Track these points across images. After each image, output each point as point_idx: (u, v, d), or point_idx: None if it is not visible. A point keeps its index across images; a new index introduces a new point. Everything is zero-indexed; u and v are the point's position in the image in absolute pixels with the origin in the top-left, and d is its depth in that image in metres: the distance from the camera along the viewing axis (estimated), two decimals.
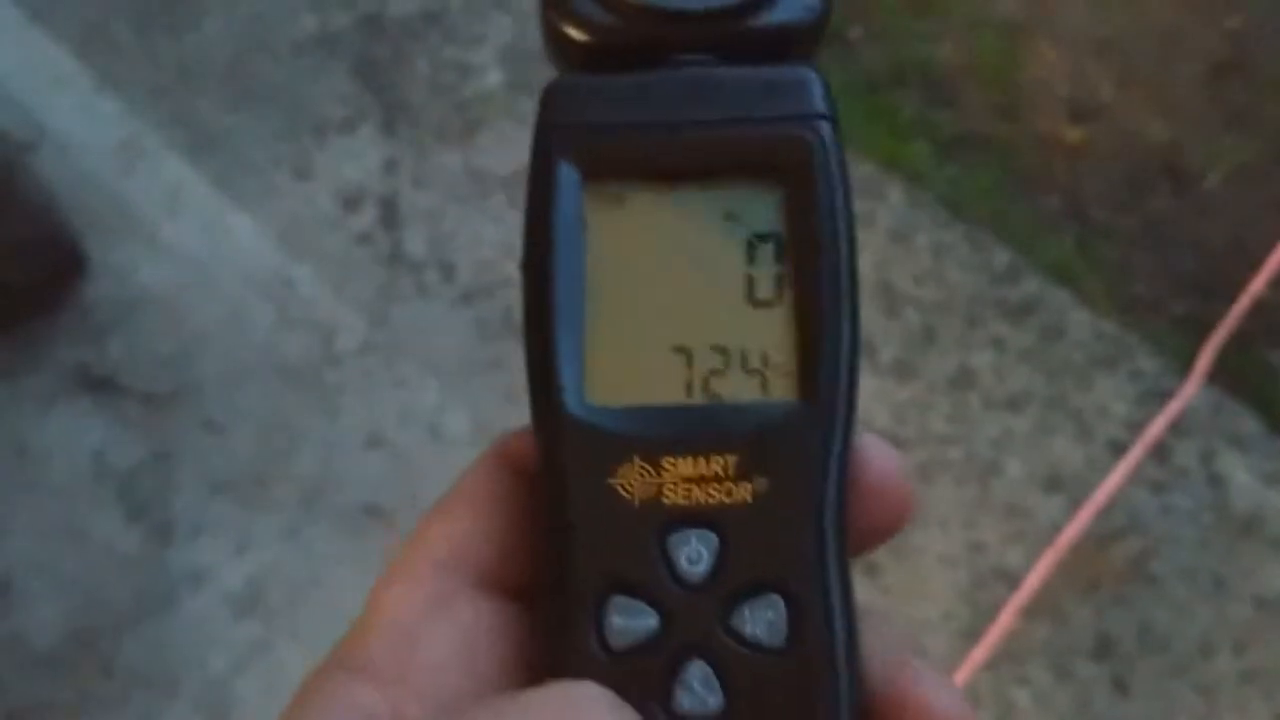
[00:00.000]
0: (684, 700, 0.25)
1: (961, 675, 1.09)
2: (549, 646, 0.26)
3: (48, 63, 1.50)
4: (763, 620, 0.25)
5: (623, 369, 0.26)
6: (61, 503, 1.23)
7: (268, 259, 1.36)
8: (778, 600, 0.25)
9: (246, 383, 1.28)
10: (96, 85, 1.48)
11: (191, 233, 1.37)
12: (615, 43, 0.27)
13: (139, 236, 1.36)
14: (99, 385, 1.28)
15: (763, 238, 0.26)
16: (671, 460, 0.25)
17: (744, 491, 0.25)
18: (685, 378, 0.26)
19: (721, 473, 0.25)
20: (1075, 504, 1.18)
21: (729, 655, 0.25)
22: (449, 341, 1.31)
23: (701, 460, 0.25)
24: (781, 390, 0.26)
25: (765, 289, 0.26)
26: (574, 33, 0.27)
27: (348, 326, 1.31)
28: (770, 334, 0.26)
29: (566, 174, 0.26)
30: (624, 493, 0.25)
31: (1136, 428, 1.22)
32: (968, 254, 1.35)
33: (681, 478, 0.25)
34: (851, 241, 0.26)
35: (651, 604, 0.25)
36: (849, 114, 1.53)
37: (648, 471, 0.25)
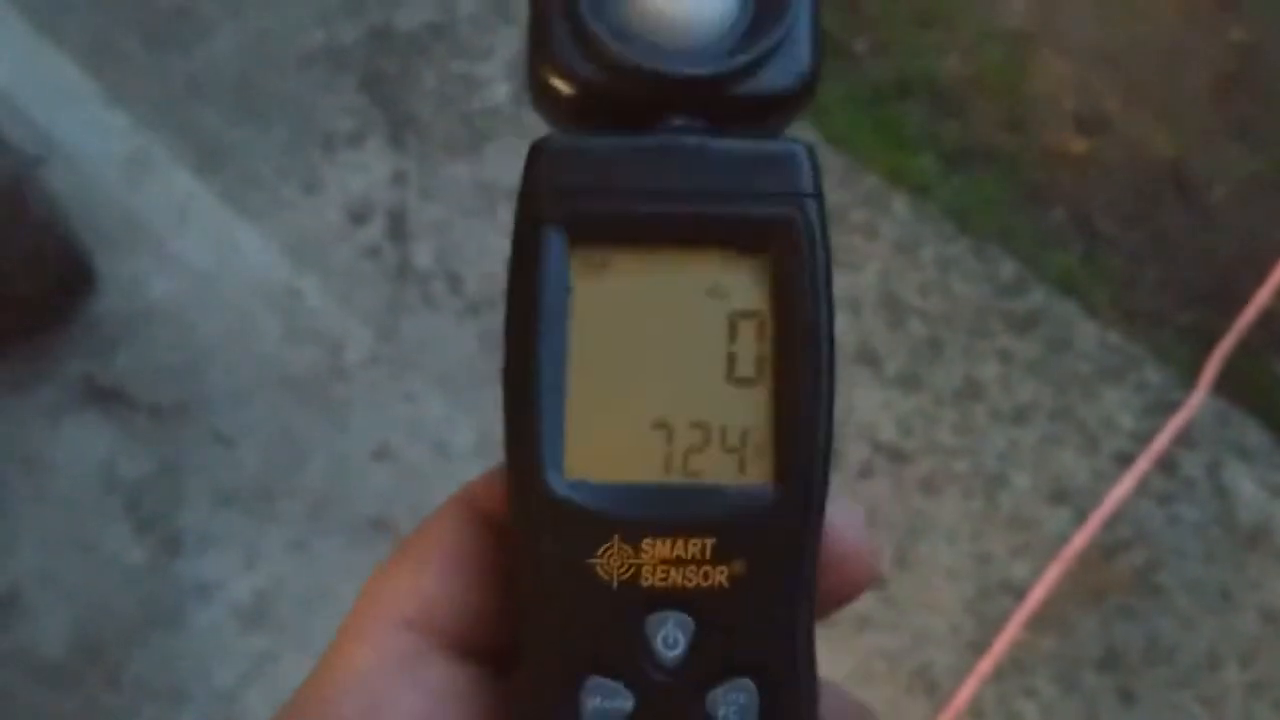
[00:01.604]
0: None
1: (968, 687, 1.09)
2: None
3: (57, 77, 1.51)
4: (735, 704, 0.25)
5: (604, 444, 0.26)
6: (69, 515, 1.23)
7: (275, 272, 1.36)
8: (750, 684, 0.25)
9: (254, 395, 1.28)
10: (105, 99, 1.49)
11: (199, 246, 1.38)
12: (603, 100, 0.27)
13: (147, 249, 1.37)
14: (107, 397, 1.28)
15: (746, 315, 0.26)
16: (651, 542, 0.25)
17: (720, 575, 0.25)
18: (665, 454, 0.26)
19: (699, 555, 0.25)
20: (1082, 516, 1.18)
21: None
22: (456, 353, 1.31)
23: (680, 542, 0.25)
24: (758, 470, 0.26)
25: (746, 367, 0.26)
26: (561, 86, 0.27)
27: (355, 339, 1.32)
28: (749, 413, 0.26)
29: (553, 240, 0.26)
30: (602, 573, 0.25)
31: (1143, 439, 1.22)
32: (973, 266, 1.35)
33: (660, 560, 0.25)
34: (831, 323, 0.26)
35: (627, 685, 0.25)
36: (855, 126, 1.53)
37: (627, 552, 0.25)
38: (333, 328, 1.33)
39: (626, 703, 0.25)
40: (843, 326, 1.31)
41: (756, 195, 0.26)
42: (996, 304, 1.32)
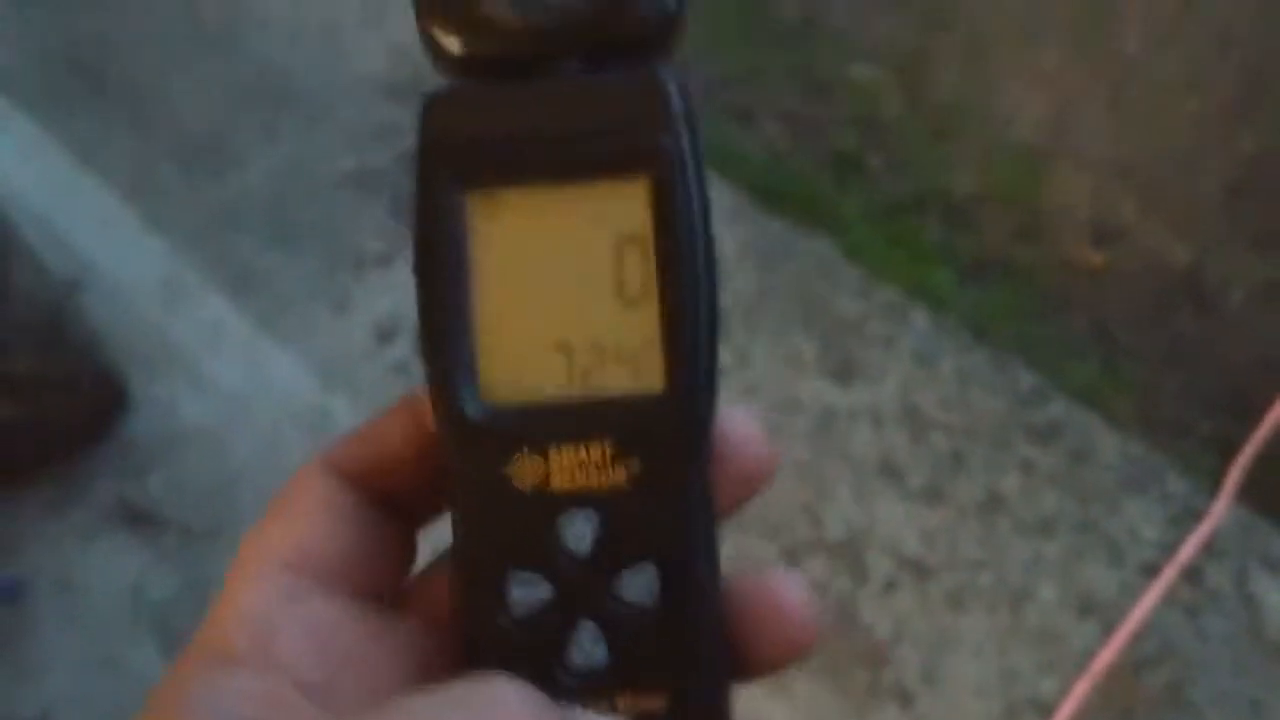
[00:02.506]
0: (576, 656, 0.28)
1: None
2: (457, 617, 0.29)
3: (97, 204, 1.56)
4: (639, 585, 0.28)
5: (510, 367, 0.28)
6: (99, 636, 1.24)
7: (305, 392, 1.39)
8: (651, 566, 0.28)
9: None
10: (143, 225, 1.53)
11: (232, 368, 1.41)
12: (486, 55, 0.29)
13: (181, 372, 1.40)
14: (139, 519, 1.30)
15: (630, 239, 0.28)
16: (556, 450, 0.28)
17: (620, 475, 0.28)
18: (566, 371, 0.28)
19: (600, 459, 0.28)
20: (1108, 629, 1.17)
21: (612, 615, 0.28)
22: None
23: (583, 449, 0.28)
24: (650, 379, 0.28)
25: (634, 287, 0.28)
26: (445, 42, 0.29)
27: None
28: (639, 328, 0.28)
29: (449, 185, 0.28)
30: (516, 482, 0.28)
31: (1168, 550, 1.22)
32: (993, 377, 1.37)
33: (565, 465, 0.28)
34: (708, 239, 0.28)
35: (545, 576, 0.28)
36: (872, 239, 1.56)
37: (537, 462, 0.28)
38: None
39: (546, 591, 0.28)
40: (865, 439, 1.32)
41: (629, 125, 0.28)
42: (1017, 415, 1.33)
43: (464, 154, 0.28)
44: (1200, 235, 1.52)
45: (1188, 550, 1.21)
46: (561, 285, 0.28)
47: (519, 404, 0.28)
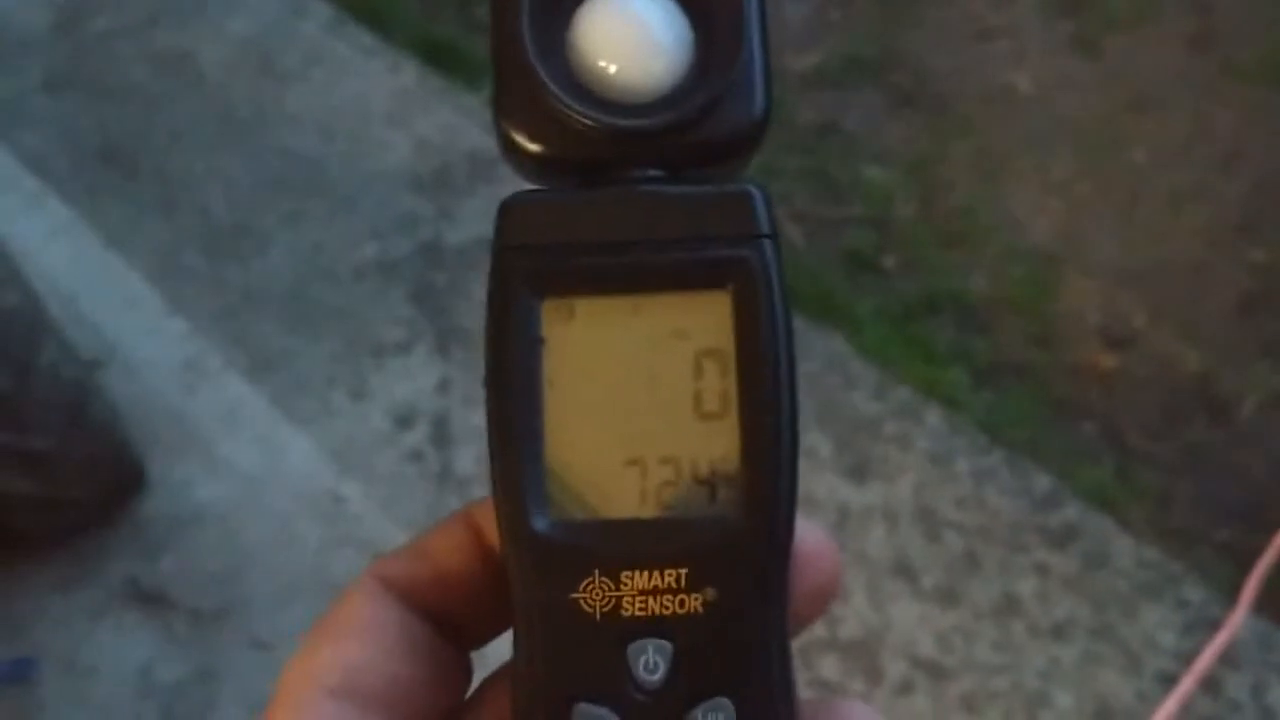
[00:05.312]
0: None
1: None
2: None
3: (121, 285, 1.58)
4: None
5: (581, 483, 0.27)
6: (106, 718, 1.23)
7: (320, 477, 1.39)
8: (727, 703, 0.26)
9: (294, 601, 1.29)
10: (166, 308, 1.55)
11: (248, 451, 1.41)
12: (565, 155, 0.28)
13: (197, 453, 1.40)
14: (149, 600, 1.30)
15: (709, 353, 0.27)
16: (629, 574, 0.26)
17: (695, 602, 0.26)
18: (639, 490, 0.27)
19: (675, 584, 0.26)
20: None
21: None
22: None
23: (657, 574, 0.26)
24: (728, 499, 0.27)
25: (712, 402, 0.27)
26: (524, 144, 0.28)
27: (395, 544, 1.33)
28: (717, 446, 0.27)
29: (524, 293, 0.27)
30: (586, 606, 0.26)
31: (1185, 659, 1.21)
32: (1008, 479, 1.37)
33: (638, 590, 0.26)
34: (791, 357, 0.27)
35: (613, 709, 0.26)
36: (886, 340, 1.57)
37: (608, 585, 0.26)
38: (373, 533, 1.34)
39: None
40: (879, 538, 1.32)
41: (714, 238, 0.27)
42: (1032, 518, 1.33)
43: (541, 261, 0.27)
44: (1212, 344, 1.53)
45: (1205, 660, 1.20)
46: (637, 399, 0.27)
47: (590, 522, 0.27)
